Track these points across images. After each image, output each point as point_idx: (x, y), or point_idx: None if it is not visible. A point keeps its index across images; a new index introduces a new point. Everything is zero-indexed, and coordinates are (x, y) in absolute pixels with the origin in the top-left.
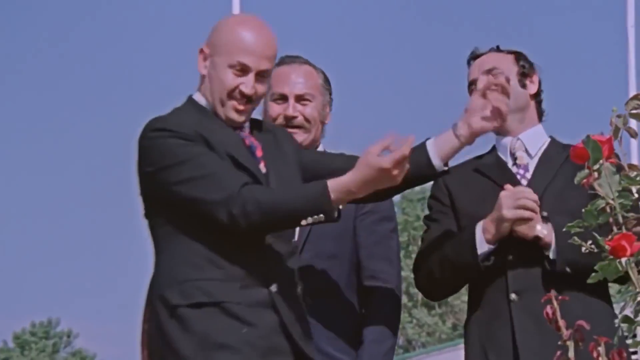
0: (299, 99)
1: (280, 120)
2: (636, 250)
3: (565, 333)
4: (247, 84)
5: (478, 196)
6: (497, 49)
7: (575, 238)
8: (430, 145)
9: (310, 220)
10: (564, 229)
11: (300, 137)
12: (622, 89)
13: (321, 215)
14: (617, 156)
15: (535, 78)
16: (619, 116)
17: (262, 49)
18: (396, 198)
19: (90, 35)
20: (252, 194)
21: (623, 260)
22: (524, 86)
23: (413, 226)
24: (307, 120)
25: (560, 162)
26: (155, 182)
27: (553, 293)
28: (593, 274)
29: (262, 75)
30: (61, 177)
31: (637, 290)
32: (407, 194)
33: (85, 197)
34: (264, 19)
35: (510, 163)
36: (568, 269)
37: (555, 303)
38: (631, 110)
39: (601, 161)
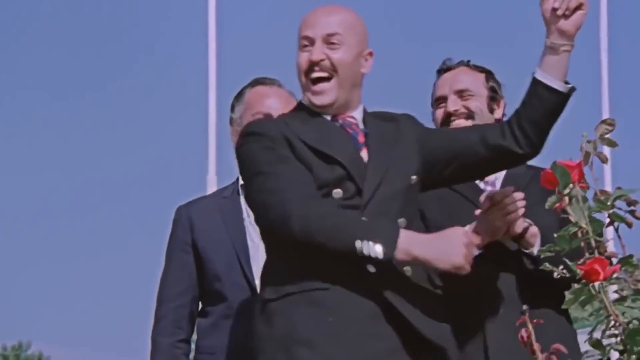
0: None
1: None
2: (609, 274)
3: (541, 356)
4: (313, 51)
5: (448, 209)
6: (468, 64)
7: (547, 264)
8: (540, 75)
9: (366, 251)
10: (536, 252)
11: None
12: (596, 113)
13: (377, 245)
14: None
15: (502, 103)
16: (588, 142)
17: (320, 16)
18: None
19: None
20: (307, 210)
21: (596, 284)
22: (491, 111)
23: None
24: None
25: (525, 181)
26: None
27: (527, 315)
28: (567, 299)
29: (331, 42)
30: (31, 193)
31: (609, 314)
32: None
33: (58, 216)
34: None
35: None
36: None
37: (530, 326)
38: (601, 134)
39: (571, 185)
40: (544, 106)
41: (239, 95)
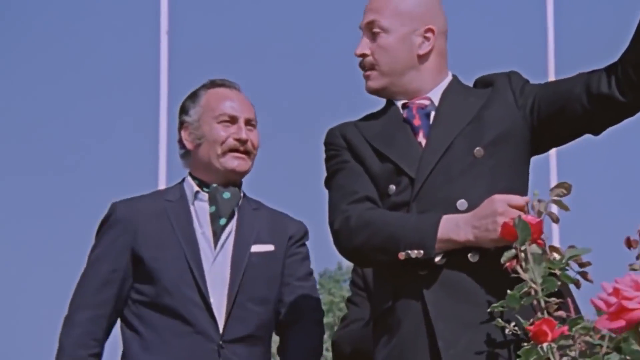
0: (248, 123)
1: (230, 144)
2: (557, 335)
3: None
4: (360, 44)
5: None
6: None
7: (499, 320)
8: None
9: (409, 254)
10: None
11: (246, 164)
12: (545, 172)
13: (420, 250)
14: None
15: None
16: (539, 201)
17: (366, 3)
18: (321, 277)
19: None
20: (353, 213)
21: (544, 345)
22: None
23: (339, 307)
24: (254, 146)
25: None
26: None
27: None
28: None
29: (373, 31)
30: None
31: None
32: (333, 273)
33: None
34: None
35: None
36: None
37: None
38: (555, 197)
39: (527, 242)
40: None
41: (194, 97)
